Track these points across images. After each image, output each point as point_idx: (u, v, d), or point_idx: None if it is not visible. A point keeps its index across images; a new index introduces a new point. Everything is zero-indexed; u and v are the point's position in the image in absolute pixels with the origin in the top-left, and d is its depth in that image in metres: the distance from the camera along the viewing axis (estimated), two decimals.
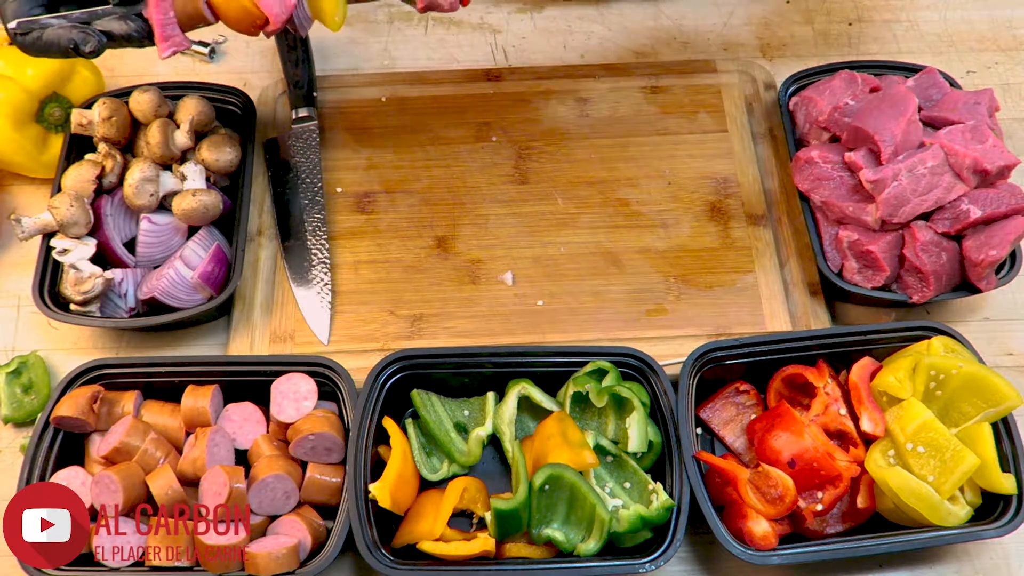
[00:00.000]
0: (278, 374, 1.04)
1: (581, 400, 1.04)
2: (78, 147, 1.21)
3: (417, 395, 1.05)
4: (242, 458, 1.04)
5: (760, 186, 1.26)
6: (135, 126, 1.20)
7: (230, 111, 1.26)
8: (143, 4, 0.95)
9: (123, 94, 1.22)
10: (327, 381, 1.05)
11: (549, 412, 1.03)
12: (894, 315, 1.18)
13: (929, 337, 1.04)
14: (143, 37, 0.95)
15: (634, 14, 1.43)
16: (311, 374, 1.05)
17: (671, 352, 1.11)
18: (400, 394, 1.06)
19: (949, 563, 1.03)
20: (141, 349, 1.17)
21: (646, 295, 1.18)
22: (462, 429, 1.06)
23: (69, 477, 1.00)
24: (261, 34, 0.99)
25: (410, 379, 1.06)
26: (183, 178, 1.16)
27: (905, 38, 1.41)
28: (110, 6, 0.95)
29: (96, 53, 0.95)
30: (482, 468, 1.06)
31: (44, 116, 1.22)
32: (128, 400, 1.04)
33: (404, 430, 1.05)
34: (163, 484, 0.96)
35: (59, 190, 1.14)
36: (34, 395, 1.11)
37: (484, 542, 0.96)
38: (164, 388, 1.06)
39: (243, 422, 1.04)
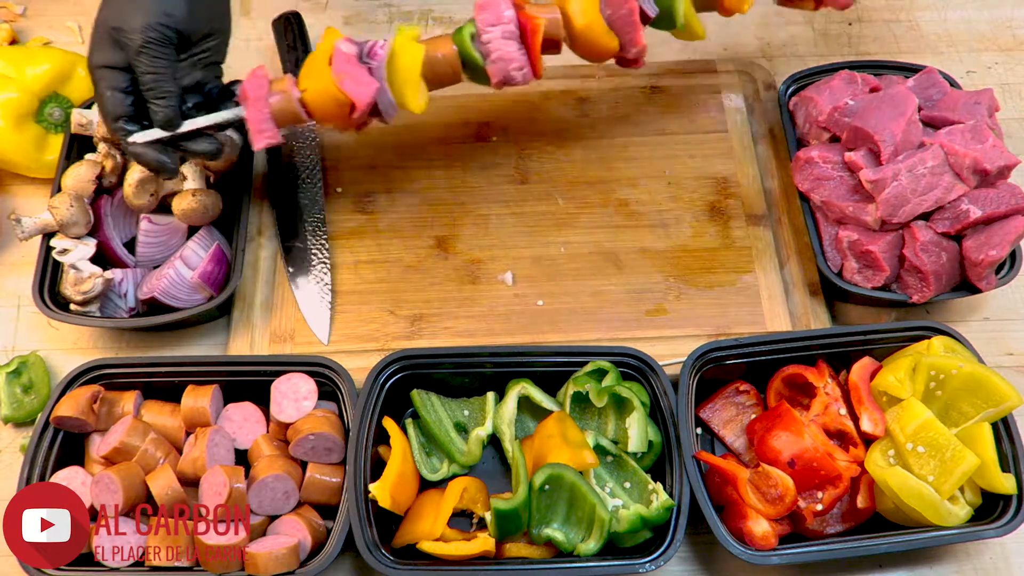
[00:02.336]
0: (278, 374, 1.04)
1: (581, 400, 1.04)
2: (78, 147, 1.21)
3: (417, 395, 1.05)
4: (242, 458, 1.04)
5: (760, 186, 1.26)
6: None
7: None
8: (230, 112, 1.04)
9: None
10: (327, 381, 1.05)
11: (549, 412, 1.03)
12: (894, 315, 1.18)
13: (929, 337, 1.04)
14: (218, 153, 1.06)
15: None
16: (311, 374, 1.05)
17: (671, 352, 1.10)
18: (400, 394, 1.05)
19: (949, 563, 1.03)
20: (141, 349, 1.16)
21: (646, 295, 1.18)
22: (462, 429, 1.06)
23: (69, 477, 1.00)
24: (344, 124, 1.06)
25: (410, 379, 1.05)
26: (183, 178, 1.16)
27: (905, 38, 1.41)
28: (200, 129, 1.03)
29: (170, 179, 1.10)
30: (482, 468, 1.06)
31: (44, 116, 1.22)
32: (128, 400, 1.04)
33: (404, 430, 1.05)
34: (163, 484, 0.96)
35: (59, 190, 1.14)
36: (34, 395, 1.11)
37: (484, 542, 0.96)
38: (164, 388, 1.06)
39: (243, 422, 1.04)
